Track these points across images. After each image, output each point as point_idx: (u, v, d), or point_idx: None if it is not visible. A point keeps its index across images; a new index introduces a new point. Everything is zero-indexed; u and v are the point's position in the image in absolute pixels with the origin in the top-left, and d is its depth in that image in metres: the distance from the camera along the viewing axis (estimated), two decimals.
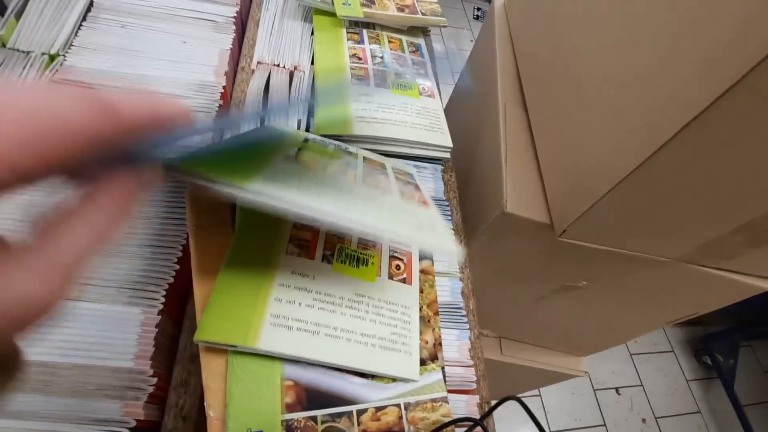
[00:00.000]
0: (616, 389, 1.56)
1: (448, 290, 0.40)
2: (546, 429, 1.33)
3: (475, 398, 0.36)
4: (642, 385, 1.58)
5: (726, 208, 0.37)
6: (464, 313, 0.40)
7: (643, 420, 1.51)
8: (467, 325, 0.40)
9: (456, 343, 0.38)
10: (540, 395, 1.43)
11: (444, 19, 0.60)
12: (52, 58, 0.45)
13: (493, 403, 0.33)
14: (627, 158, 0.35)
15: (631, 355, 1.63)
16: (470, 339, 0.39)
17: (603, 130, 0.38)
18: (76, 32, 0.47)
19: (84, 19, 0.48)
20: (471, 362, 0.37)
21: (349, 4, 0.54)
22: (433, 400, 0.32)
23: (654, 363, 1.64)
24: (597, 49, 0.40)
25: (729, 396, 1.50)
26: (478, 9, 2.65)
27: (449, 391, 0.34)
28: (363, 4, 0.56)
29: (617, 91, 0.37)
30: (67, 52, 0.45)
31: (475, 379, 0.37)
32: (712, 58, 0.28)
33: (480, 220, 0.50)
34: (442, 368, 0.34)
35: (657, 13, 0.33)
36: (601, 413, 1.48)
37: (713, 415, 1.56)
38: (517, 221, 0.46)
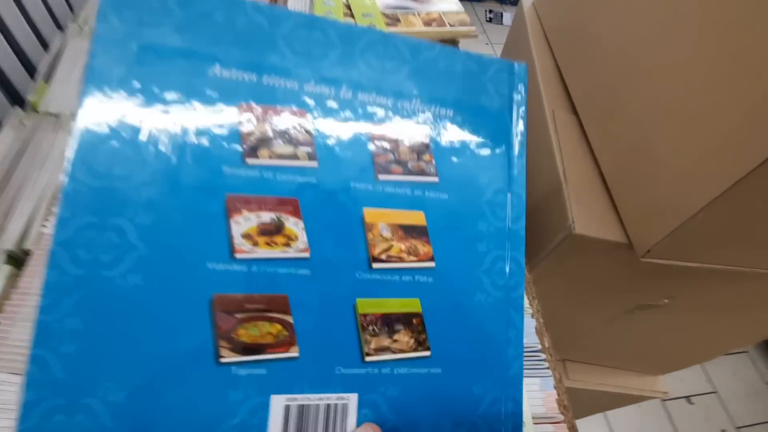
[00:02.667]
0: (687, 398, 1.42)
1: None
2: None
3: None
4: (716, 392, 1.44)
5: None
6: (543, 356, 0.35)
7: (723, 431, 1.37)
8: (549, 371, 0.35)
9: (540, 394, 0.33)
10: (604, 412, 1.33)
11: (474, 28, 0.56)
12: None
13: None
14: (726, 169, 0.29)
15: None
16: (554, 387, 0.34)
17: (690, 138, 0.33)
18: None
19: None
20: (561, 416, 0.32)
21: (375, 26, 0.51)
22: None
23: (727, 366, 1.50)
24: (674, 46, 0.35)
25: None
26: (491, 11, 2.61)
27: None
28: (388, 24, 0.53)
29: (707, 94, 0.31)
30: None
31: None
32: None
33: (540, 241, 0.45)
34: None
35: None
36: (675, 427, 1.36)
37: None
38: (587, 242, 0.40)
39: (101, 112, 0.21)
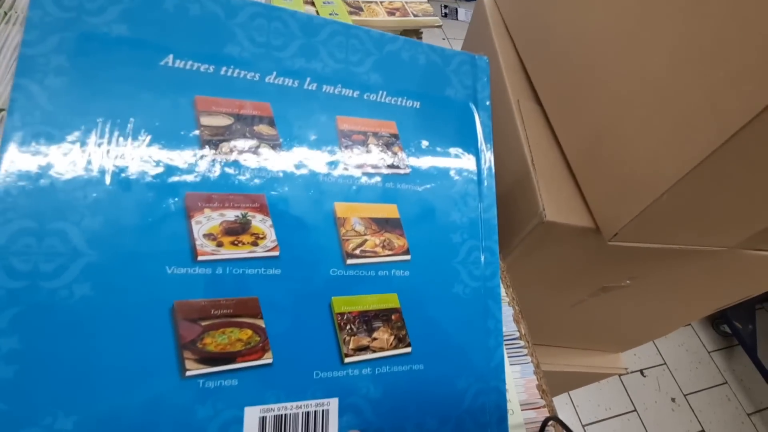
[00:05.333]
0: (641, 371, 1.52)
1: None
2: (579, 424, 1.28)
3: None
4: (665, 363, 1.55)
5: None
6: (522, 343, 0.35)
7: (673, 399, 1.48)
8: (528, 358, 0.35)
9: (521, 381, 0.33)
10: (568, 391, 1.39)
11: (437, 18, 0.55)
12: None
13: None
14: (687, 152, 0.30)
15: None
16: (534, 372, 0.34)
17: (652, 121, 0.34)
18: None
19: None
20: (542, 402, 0.33)
21: (337, 14, 0.50)
22: None
23: (673, 339, 1.62)
24: (633, 31, 0.36)
25: (754, 362, 1.48)
26: (446, 7, 2.63)
27: None
28: (351, 12, 0.51)
29: (666, 79, 0.32)
30: None
31: (551, 422, 0.32)
32: None
33: (512, 230, 0.46)
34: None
35: None
36: (630, 399, 1.45)
37: (740, 383, 1.54)
38: (557, 229, 0.41)
39: (36, 105, 0.18)
